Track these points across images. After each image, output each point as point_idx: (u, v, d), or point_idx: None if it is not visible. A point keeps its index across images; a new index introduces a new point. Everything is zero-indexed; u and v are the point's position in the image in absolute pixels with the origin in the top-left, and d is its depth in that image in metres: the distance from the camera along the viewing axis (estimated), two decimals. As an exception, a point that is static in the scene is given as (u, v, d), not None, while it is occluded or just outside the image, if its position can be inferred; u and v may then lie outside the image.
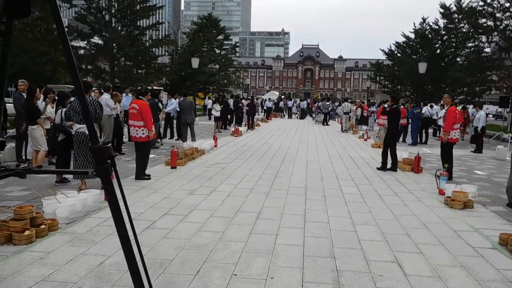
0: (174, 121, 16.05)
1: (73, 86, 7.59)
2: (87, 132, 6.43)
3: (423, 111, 18.11)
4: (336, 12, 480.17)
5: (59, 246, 4.29)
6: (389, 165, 9.87)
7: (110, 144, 1.17)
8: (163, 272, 3.72)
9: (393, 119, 10.29)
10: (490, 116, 33.15)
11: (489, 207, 6.67)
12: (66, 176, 7.34)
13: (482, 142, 14.86)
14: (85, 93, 6.87)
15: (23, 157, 9.26)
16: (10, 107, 10.20)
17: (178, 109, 14.94)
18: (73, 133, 6.86)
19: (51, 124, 7.92)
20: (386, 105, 11.92)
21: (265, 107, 33.23)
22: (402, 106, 18.43)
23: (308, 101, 41.26)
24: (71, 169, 7.14)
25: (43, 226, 4.60)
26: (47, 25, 19.62)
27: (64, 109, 7.25)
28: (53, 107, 8.80)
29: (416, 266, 4.06)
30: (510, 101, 19.16)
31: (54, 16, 1.12)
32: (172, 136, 15.62)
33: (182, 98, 15.27)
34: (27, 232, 4.35)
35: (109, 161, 1.16)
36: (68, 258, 3.98)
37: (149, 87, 15.89)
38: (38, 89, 8.61)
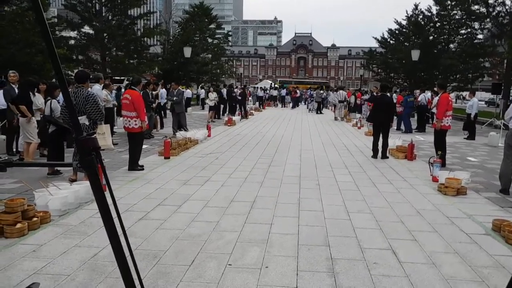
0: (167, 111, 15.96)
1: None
2: (86, 123, 6.34)
3: (419, 99, 18.10)
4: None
5: (51, 239, 4.25)
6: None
7: (95, 135, 1.12)
8: (157, 263, 3.70)
9: (376, 107, 10.23)
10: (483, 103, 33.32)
11: (482, 193, 6.70)
12: (58, 168, 7.27)
13: (475, 129, 14.96)
14: (83, 84, 6.64)
15: (14, 150, 9.16)
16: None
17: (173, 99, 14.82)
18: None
19: (41, 115, 7.81)
20: (375, 93, 11.87)
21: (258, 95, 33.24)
22: (399, 94, 18.48)
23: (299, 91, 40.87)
24: (52, 162, 6.99)
25: (35, 219, 4.55)
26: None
27: (54, 100, 7.15)
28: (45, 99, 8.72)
29: (410, 253, 4.07)
30: (502, 87, 19.25)
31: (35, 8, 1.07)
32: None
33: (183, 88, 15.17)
34: (19, 225, 4.30)
35: (94, 153, 1.12)
36: (61, 250, 3.95)
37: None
38: (41, 84, 8.61)
